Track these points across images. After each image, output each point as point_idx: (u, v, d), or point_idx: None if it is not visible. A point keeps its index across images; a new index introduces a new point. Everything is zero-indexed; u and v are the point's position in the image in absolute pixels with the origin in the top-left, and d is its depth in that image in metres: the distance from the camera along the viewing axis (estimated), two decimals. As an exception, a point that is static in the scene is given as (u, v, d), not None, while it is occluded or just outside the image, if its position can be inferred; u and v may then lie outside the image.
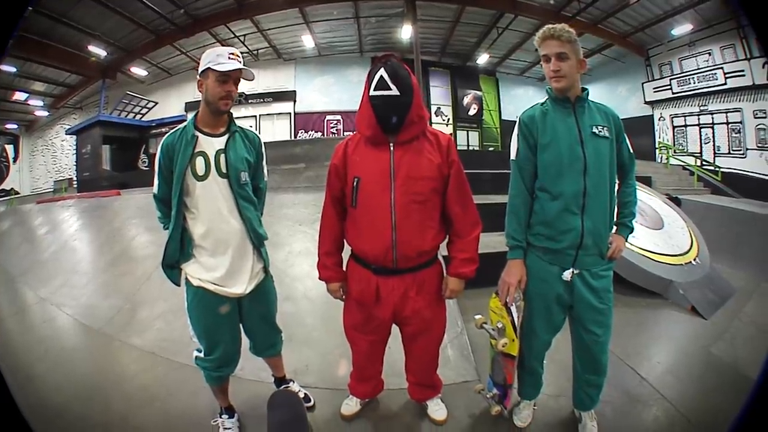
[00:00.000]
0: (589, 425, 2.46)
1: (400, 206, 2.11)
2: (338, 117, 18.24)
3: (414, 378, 2.64)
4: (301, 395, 2.71)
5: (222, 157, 2.16)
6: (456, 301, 3.69)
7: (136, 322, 3.96)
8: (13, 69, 15.52)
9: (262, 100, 18.36)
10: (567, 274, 2.18)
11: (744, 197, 9.93)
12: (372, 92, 2.06)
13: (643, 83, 16.94)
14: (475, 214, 2.29)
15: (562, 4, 14.66)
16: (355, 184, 2.16)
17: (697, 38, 14.70)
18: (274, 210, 5.20)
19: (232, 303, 2.28)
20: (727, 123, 14.19)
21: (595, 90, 14.82)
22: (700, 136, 15.03)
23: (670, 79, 15.88)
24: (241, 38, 16.16)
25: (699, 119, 15.10)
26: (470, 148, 19.13)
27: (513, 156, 2.29)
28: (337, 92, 18.41)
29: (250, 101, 18.05)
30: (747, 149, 13.68)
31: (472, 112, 19.55)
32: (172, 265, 2.26)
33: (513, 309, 2.31)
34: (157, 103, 18.98)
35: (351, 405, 2.70)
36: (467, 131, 19.60)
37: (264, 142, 2.45)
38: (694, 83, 15.02)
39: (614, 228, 2.31)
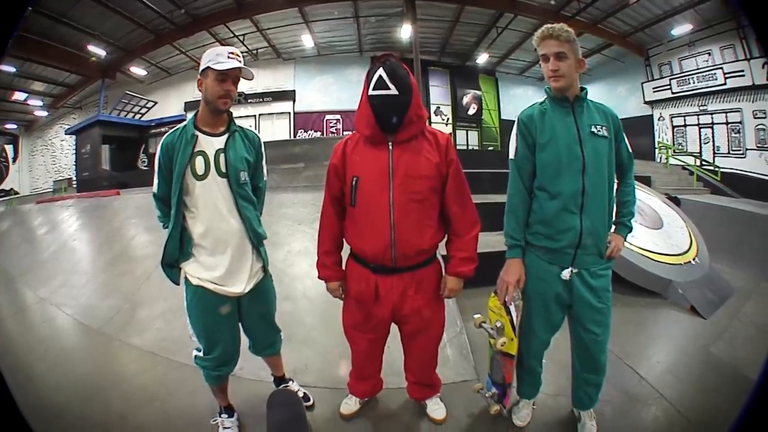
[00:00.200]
0: (588, 424, 2.46)
1: (398, 205, 2.11)
2: (337, 116, 18.25)
3: (413, 377, 2.64)
4: (301, 394, 2.71)
5: (221, 156, 2.17)
6: (455, 301, 3.69)
7: (136, 321, 3.96)
8: (12, 69, 15.52)
9: (261, 99, 18.37)
10: (566, 274, 2.19)
11: (743, 197, 9.93)
12: (371, 92, 2.06)
13: (642, 83, 16.95)
14: (474, 213, 2.29)
15: (561, 3, 14.67)
16: (354, 183, 2.16)
17: (697, 38, 14.71)
18: (273, 209, 5.21)
19: (231, 302, 2.28)
20: (727, 123, 14.20)
21: (595, 90, 14.89)
22: (700, 136, 15.04)
23: (670, 79, 15.89)
24: (241, 38, 16.16)
25: (698, 119, 15.11)
26: (469, 147, 19.13)
27: (512, 155, 2.29)
28: (336, 92, 18.42)
29: (249, 101, 18.06)
30: (746, 149, 13.68)
31: (471, 111, 19.55)
32: (171, 264, 2.26)
33: (512, 308, 2.32)
34: (156, 103, 18.98)
35: (350, 404, 2.70)
36: (466, 131, 19.61)
37: (263, 142, 2.45)
38: (694, 83, 15.02)
39: (613, 227, 2.31)
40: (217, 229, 2.19)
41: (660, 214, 5.56)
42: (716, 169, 13.57)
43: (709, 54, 14.50)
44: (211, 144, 2.17)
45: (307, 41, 17.33)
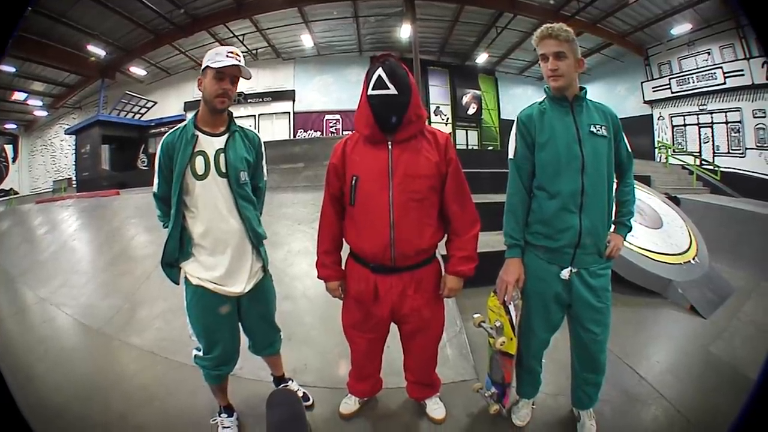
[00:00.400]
0: (588, 424, 2.47)
1: (398, 204, 2.11)
2: (337, 116, 18.24)
3: (413, 377, 2.64)
4: (300, 394, 2.71)
5: (221, 156, 2.17)
6: (455, 300, 3.69)
7: (136, 321, 3.96)
8: (12, 69, 15.51)
9: (261, 99, 18.35)
10: (565, 273, 2.19)
11: (743, 197, 9.93)
12: (370, 91, 2.07)
13: (642, 82, 16.94)
14: (474, 213, 2.30)
15: (561, 3, 14.65)
16: (353, 182, 2.17)
17: (697, 38, 14.70)
18: (273, 209, 5.21)
19: (231, 302, 2.28)
20: (727, 122, 14.19)
21: (594, 89, 14.90)
22: (700, 135, 15.03)
23: (670, 79, 15.88)
24: (240, 38, 16.14)
25: (698, 119, 15.11)
26: (469, 147, 19.12)
27: (511, 155, 2.29)
28: (336, 92, 18.41)
29: (249, 101, 18.05)
30: (746, 149, 13.68)
31: (471, 111, 19.54)
32: (171, 264, 2.26)
33: (511, 308, 2.32)
34: (156, 103, 18.97)
35: (350, 404, 2.70)
36: (466, 130, 19.60)
37: (263, 142, 2.46)
38: (694, 83, 15.01)
39: (612, 227, 2.31)
40: (216, 229, 2.19)
41: (660, 213, 5.56)
42: (716, 168, 13.56)
43: (709, 53, 14.49)
44: (211, 144, 2.17)
45: (306, 41, 17.31)
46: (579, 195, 2.11)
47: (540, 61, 2.16)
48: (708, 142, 14.75)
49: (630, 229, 2.36)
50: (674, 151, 15.19)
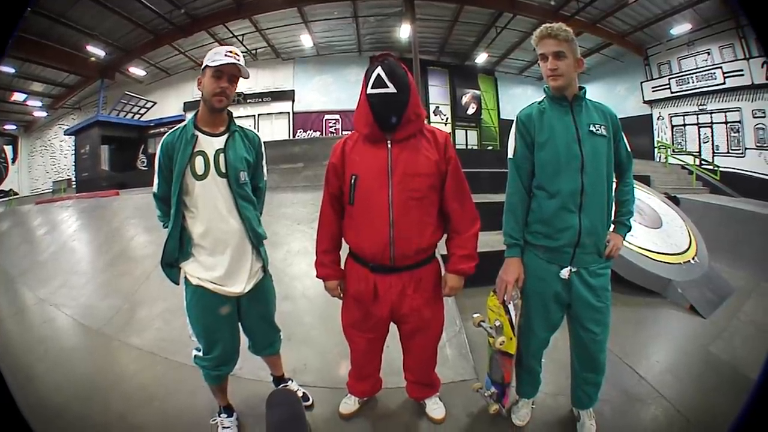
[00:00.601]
0: (588, 424, 2.47)
1: (397, 203, 2.11)
2: (337, 116, 18.24)
3: (412, 376, 2.64)
4: (300, 394, 2.71)
5: (221, 156, 2.17)
6: (454, 300, 3.69)
7: (135, 321, 3.96)
8: (11, 69, 15.50)
9: (260, 99, 18.36)
10: (565, 272, 2.19)
11: (743, 196, 9.93)
12: (369, 90, 2.07)
13: (641, 82, 16.93)
14: (474, 211, 2.30)
15: (560, 3, 14.65)
16: (352, 181, 2.17)
17: (696, 38, 14.70)
18: (272, 209, 5.21)
19: (231, 302, 2.28)
20: (726, 122, 14.20)
21: (594, 89, 14.92)
22: (699, 135, 15.03)
23: (669, 79, 15.88)
24: (240, 38, 16.14)
25: (698, 118, 15.11)
26: (469, 147, 19.13)
27: (510, 155, 2.30)
28: (335, 92, 18.41)
29: (248, 101, 18.06)
30: (746, 149, 13.68)
31: (470, 111, 19.54)
32: (171, 264, 2.26)
33: (511, 307, 2.32)
34: (155, 103, 18.97)
35: (349, 404, 2.70)
36: (466, 130, 19.60)
37: (263, 142, 2.46)
38: (693, 82, 15.01)
39: (612, 226, 2.32)
40: (216, 229, 2.19)
41: (659, 213, 5.56)
42: (715, 168, 13.57)
43: (708, 53, 14.50)
44: (210, 144, 2.17)
45: (306, 41, 17.32)
46: (578, 194, 2.11)
47: (539, 61, 2.16)
48: (707, 142, 14.75)
49: (629, 228, 2.36)
50: (674, 151, 15.20)
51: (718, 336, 3.74)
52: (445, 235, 2.36)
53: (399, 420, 2.68)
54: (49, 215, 8.65)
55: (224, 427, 2.51)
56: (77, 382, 3.12)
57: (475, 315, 2.50)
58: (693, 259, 4.89)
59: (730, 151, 14.11)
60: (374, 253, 2.20)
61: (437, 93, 19.20)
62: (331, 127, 18.29)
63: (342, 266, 2.42)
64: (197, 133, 2.16)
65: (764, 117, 13.14)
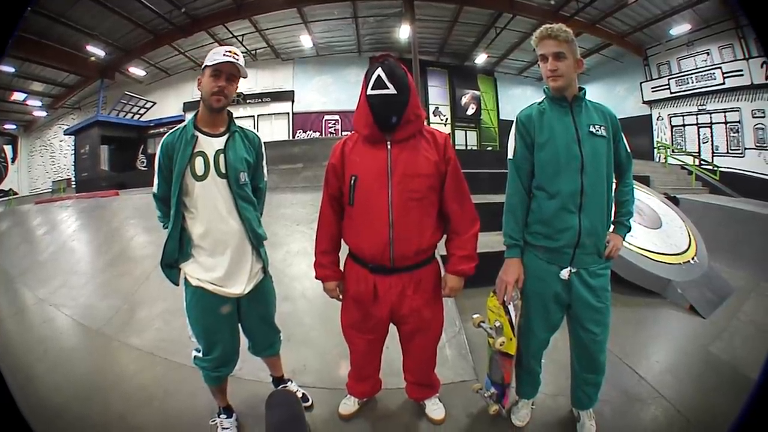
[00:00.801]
0: (588, 424, 2.47)
1: (397, 204, 2.11)
2: (336, 117, 18.25)
3: (412, 377, 2.64)
4: (299, 395, 2.71)
5: (221, 157, 2.17)
6: (454, 301, 3.69)
7: (135, 322, 3.96)
8: (11, 69, 15.50)
9: (260, 100, 18.38)
10: (565, 273, 2.19)
11: (742, 196, 9.94)
12: (369, 91, 2.07)
13: (641, 83, 16.96)
14: (473, 212, 2.30)
15: (560, 3, 14.66)
16: (352, 182, 2.17)
17: (696, 38, 14.73)
18: (272, 210, 5.20)
19: (231, 303, 2.28)
20: (726, 122, 14.22)
21: (594, 90, 14.92)
22: (699, 135, 15.05)
23: (669, 79, 15.90)
24: (240, 38, 16.15)
25: (697, 119, 15.13)
26: (468, 147, 19.13)
27: (510, 155, 2.30)
28: (335, 92, 18.42)
29: (248, 101, 18.06)
30: (745, 149, 13.70)
31: (470, 111, 19.55)
32: (170, 265, 2.26)
33: (511, 308, 2.32)
34: (155, 103, 18.98)
35: (349, 404, 2.70)
36: (465, 131, 19.61)
37: (263, 142, 2.45)
38: (693, 83, 15.04)
39: (612, 227, 2.32)
40: (216, 230, 2.19)
41: (659, 213, 5.56)
42: (715, 168, 13.59)
43: (708, 54, 14.52)
44: (210, 144, 2.17)
45: (305, 42, 17.33)
46: (578, 195, 2.11)
47: (539, 62, 2.17)
48: (707, 142, 14.77)
49: (629, 229, 2.36)
50: (673, 151, 15.22)
51: (718, 336, 3.74)
52: (445, 236, 2.36)
53: (399, 421, 2.68)
54: (48, 215, 8.65)
55: (224, 428, 2.50)
56: (77, 383, 3.11)
57: (475, 316, 2.50)
58: (693, 259, 4.90)
59: (730, 151, 14.13)
60: (374, 254, 2.20)
61: (437, 93, 19.21)
62: (330, 127, 18.30)
63: (341, 267, 2.42)
64: (197, 133, 2.15)
65: (764, 117, 13.16)
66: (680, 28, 14.66)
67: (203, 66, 2.13)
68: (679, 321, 4.11)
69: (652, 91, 16.58)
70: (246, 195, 2.25)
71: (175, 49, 16.70)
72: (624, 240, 2.34)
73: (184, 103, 18.19)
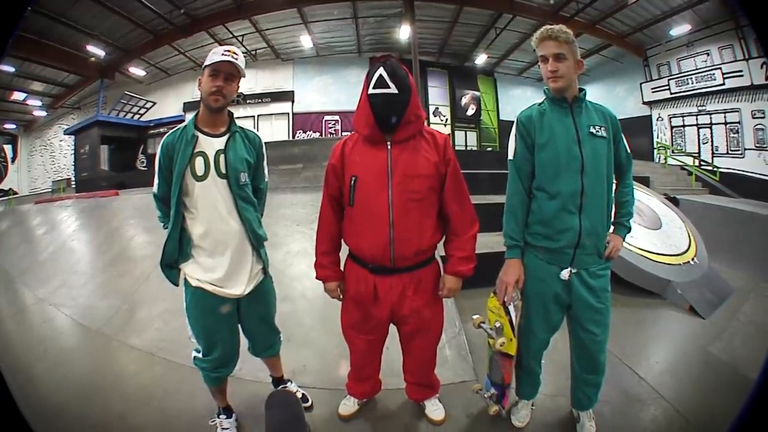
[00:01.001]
0: (588, 425, 2.47)
1: (397, 204, 2.11)
2: (336, 117, 18.26)
3: (412, 378, 2.64)
4: (299, 395, 2.71)
5: (222, 157, 2.16)
6: (454, 301, 3.69)
7: (135, 322, 3.96)
8: (11, 69, 15.51)
9: (260, 100, 18.40)
10: (565, 273, 2.19)
11: (742, 197, 9.94)
12: (371, 90, 2.08)
13: (641, 83, 16.98)
14: (472, 213, 2.30)
15: (560, 4, 14.66)
16: (352, 183, 2.17)
17: (696, 39, 14.74)
18: (272, 210, 5.19)
19: (231, 303, 2.28)
20: (726, 123, 14.23)
21: (593, 90, 14.93)
22: (699, 136, 15.06)
23: (669, 80, 15.92)
24: (240, 38, 16.15)
25: (697, 119, 15.15)
26: (468, 148, 19.13)
27: (510, 156, 2.30)
28: (335, 92, 18.43)
29: (248, 101, 18.06)
30: (745, 149, 13.71)
31: (470, 112, 19.56)
32: (170, 265, 2.25)
33: (511, 308, 2.32)
34: (155, 103, 19.00)
35: (349, 405, 2.70)
36: (465, 131, 19.62)
37: (264, 143, 2.45)
38: (693, 83, 15.06)
39: (612, 228, 2.32)
40: (216, 231, 2.18)
41: (659, 214, 5.57)
42: (715, 169, 13.60)
43: (708, 54, 14.54)
44: (211, 145, 2.16)
45: (305, 42, 17.33)
46: (579, 196, 2.11)
47: (540, 63, 2.17)
48: (707, 142, 14.79)
49: (629, 229, 2.36)
50: (673, 152, 15.22)
51: (717, 336, 3.74)
52: (444, 237, 2.36)
53: (398, 421, 2.68)
54: (48, 215, 8.64)
55: (223, 428, 2.50)
56: (77, 382, 3.11)
57: (475, 316, 2.50)
58: (692, 259, 4.90)
59: (730, 151, 14.15)
60: (374, 255, 2.20)
61: (437, 94, 19.21)
62: (330, 128, 18.30)
63: (341, 267, 2.42)
64: (197, 133, 2.15)
65: (763, 118, 13.18)
66: (680, 29, 14.68)
67: (203, 66, 2.13)
68: (679, 321, 4.11)
69: (652, 92, 16.59)
70: (246, 195, 2.24)
71: (175, 49, 16.70)
72: (624, 240, 2.35)
73: (184, 104, 18.20)
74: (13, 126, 20.27)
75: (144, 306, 4.15)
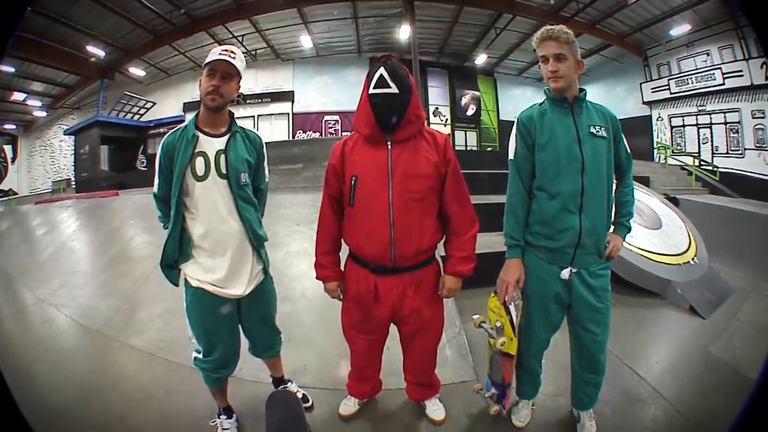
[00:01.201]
0: (588, 425, 2.47)
1: (397, 204, 2.11)
2: (336, 117, 18.26)
3: (412, 378, 2.64)
4: (300, 395, 2.70)
5: (222, 157, 2.16)
6: (454, 301, 3.69)
7: (135, 322, 3.95)
8: (11, 69, 15.51)
9: (260, 100, 18.40)
10: (565, 273, 2.19)
11: (742, 197, 9.94)
12: (372, 90, 2.08)
13: (641, 83, 16.99)
14: (472, 213, 2.30)
15: (560, 4, 14.67)
16: (352, 182, 2.17)
17: (696, 39, 14.75)
18: (272, 210, 5.19)
19: (231, 304, 2.28)
20: (726, 123, 14.23)
21: (593, 90, 14.92)
22: (699, 136, 15.07)
23: (669, 80, 15.93)
24: (240, 38, 16.15)
25: (697, 119, 15.15)
26: (468, 148, 19.13)
27: (511, 156, 2.30)
28: (335, 92, 18.43)
29: (248, 102, 18.06)
30: (745, 149, 13.72)
31: (470, 112, 19.56)
32: (170, 266, 2.25)
33: (511, 308, 2.32)
34: (155, 104, 19.00)
35: (349, 405, 2.70)
36: (465, 131, 19.63)
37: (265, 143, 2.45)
38: (693, 83, 15.07)
39: (612, 227, 2.32)
40: (216, 231, 2.18)
41: (659, 214, 5.57)
42: (715, 169, 13.62)
43: (708, 54, 14.54)
44: (211, 145, 2.16)
45: (305, 42, 17.34)
46: (579, 196, 2.12)
47: (540, 63, 2.17)
48: (707, 142, 14.79)
49: (629, 229, 2.36)
50: (673, 152, 15.22)
51: (717, 336, 3.74)
52: (444, 237, 2.36)
53: (399, 421, 2.68)
54: (48, 215, 8.64)
55: (224, 429, 2.50)
56: (77, 383, 3.11)
57: (476, 316, 2.50)
58: (692, 259, 4.90)
59: (730, 151, 14.15)
60: (375, 255, 2.20)
61: (437, 94, 19.23)
62: (330, 128, 18.30)
63: (342, 268, 2.42)
64: (198, 133, 2.15)
65: (763, 117, 13.18)
66: (680, 29, 14.68)
67: (203, 66, 2.14)
68: (679, 321, 4.11)
69: (652, 92, 16.60)
70: (246, 196, 2.24)
71: (175, 50, 16.71)
72: (624, 240, 2.35)
73: (184, 104, 18.20)
74: (13, 126, 20.28)
75: (144, 306, 4.14)
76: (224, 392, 2.55)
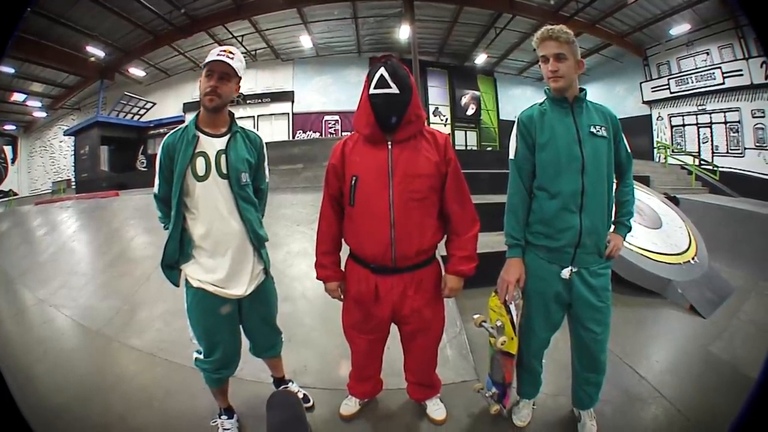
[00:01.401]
0: (588, 424, 2.47)
1: (398, 204, 2.12)
2: (336, 117, 18.25)
3: (413, 377, 2.64)
4: (300, 396, 2.71)
5: (222, 157, 2.16)
6: (455, 301, 3.69)
7: (135, 323, 3.95)
8: (11, 70, 15.50)
9: (260, 100, 18.38)
10: (566, 273, 2.19)
11: (742, 196, 9.94)
12: (372, 90, 2.08)
13: (641, 83, 16.97)
14: (473, 212, 2.30)
15: (560, 4, 14.66)
16: (353, 183, 2.17)
17: (695, 38, 14.73)
18: (272, 210, 5.18)
19: (232, 304, 2.28)
20: (726, 122, 14.22)
21: (593, 90, 14.91)
22: (698, 135, 15.05)
23: (668, 79, 15.91)
24: (240, 39, 16.14)
25: (697, 119, 15.13)
26: (468, 148, 19.13)
27: (511, 155, 2.30)
28: (335, 92, 18.41)
29: (248, 102, 18.06)
30: (745, 148, 13.70)
31: (470, 112, 19.55)
32: (171, 266, 2.25)
33: (512, 307, 2.32)
34: (155, 104, 18.99)
35: (350, 405, 2.70)
36: (465, 131, 19.61)
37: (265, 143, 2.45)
38: (692, 83, 15.05)
39: (612, 227, 2.32)
40: (217, 231, 2.18)
41: (659, 213, 5.56)
42: (715, 168, 13.59)
43: (708, 53, 14.52)
44: (212, 145, 2.16)
45: (305, 42, 17.32)
46: (579, 195, 2.12)
47: (540, 63, 2.17)
48: (707, 142, 14.78)
49: (630, 229, 2.36)
50: (673, 151, 15.22)
51: (718, 336, 3.74)
52: (445, 237, 2.36)
53: (400, 421, 2.68)
54: (48, 216, 8.64)
55: (225, 429, 2.50)
56: (77, 383, 3.11)
57: (476, 316, 2.50)
58: (693, 259, 4.90)
59: (730, 151, 14.13)
60: (375, 255, 2.20)
61: (436, 94, 19.21)
62: (330, 128, 18.29)
63: (342, 268, 2.42)
64: (198, 133, 2.15)
65: (763, 117, 13.17)
66: (680, 28, 14.66)
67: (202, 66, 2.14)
68: (680, 321, 4.11)
69: (652, 91, 16.59)
70: (247, 196, 2.24)
71: (175, 50, 16.69)
72: (624, 240, 2.35)
73: (184, 104, 18.18)
74: (13, 127, 20.27)
75: (144, 307, 4.15)
76: (225, 393, 2.55)
